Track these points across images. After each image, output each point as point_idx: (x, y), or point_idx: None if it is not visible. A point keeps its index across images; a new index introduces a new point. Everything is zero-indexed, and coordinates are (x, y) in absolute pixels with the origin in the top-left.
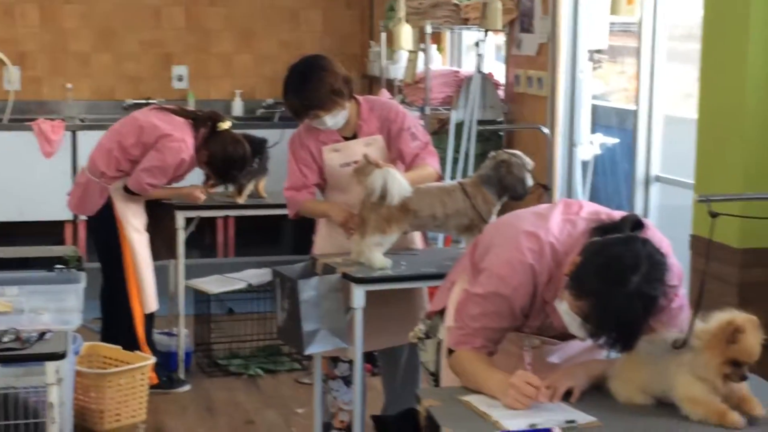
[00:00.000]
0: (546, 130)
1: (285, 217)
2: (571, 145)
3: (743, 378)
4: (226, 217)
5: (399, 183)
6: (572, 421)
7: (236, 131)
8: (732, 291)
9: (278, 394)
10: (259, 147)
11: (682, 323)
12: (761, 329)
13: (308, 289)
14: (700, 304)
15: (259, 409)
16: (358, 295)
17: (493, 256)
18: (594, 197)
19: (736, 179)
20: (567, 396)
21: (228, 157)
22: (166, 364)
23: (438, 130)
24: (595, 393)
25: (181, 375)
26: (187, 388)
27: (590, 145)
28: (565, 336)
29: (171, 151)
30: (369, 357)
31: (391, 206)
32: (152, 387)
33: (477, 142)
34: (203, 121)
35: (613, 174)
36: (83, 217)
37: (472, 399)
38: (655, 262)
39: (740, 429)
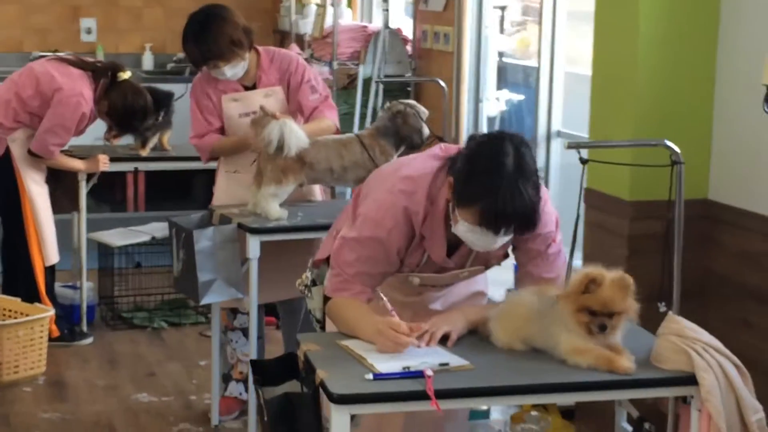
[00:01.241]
0: (443, 84)
1: (196, 172)
2: (477, 100)
3: (602, 328)
4: (135, 171)
5: (296, 134)
6: (445, 364)
7: (145, 84)
8: (622, 243)
9: (182, 347)
10: (163, 100)
11: (560, 270)
12: (630, 287)
13: (203, 240)
14: (573, 250)
15: (162, 362)
16: (253, 246)
17: (368, 201)
18: None
19: (627, 132)
20: (445, 340)
21: (128, 108)
22: (68, 317)
23: (347, 86)
24: (474, 338)
25: (84, 328)
26: (89, 340)
27: (496, 101)
28: (444, 270)
29: (69, 107)
30: (272, 310)
31: (287, 158)
32: (53, 339)
33: (384, 97)
34: (103, 71)
35: (519, 130)
36: None
37: (351, 344)
38: (518, 140)
39: (630, 373)
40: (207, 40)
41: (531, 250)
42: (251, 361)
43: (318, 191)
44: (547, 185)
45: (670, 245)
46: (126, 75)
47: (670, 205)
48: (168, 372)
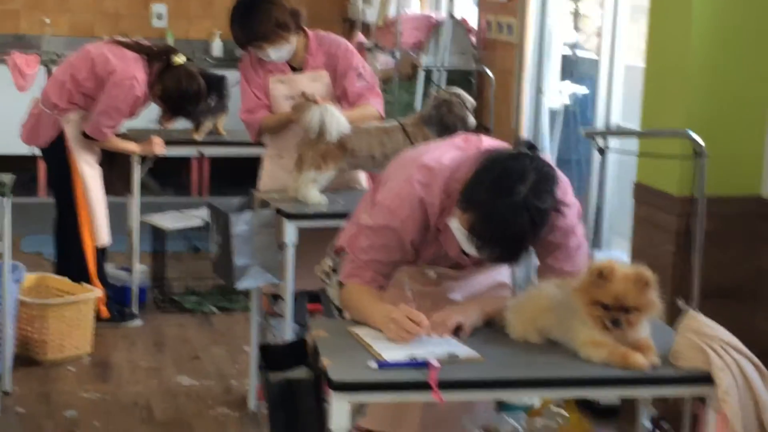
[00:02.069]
0: (490, 73)
1: (252, 159)
2: (538, 92)
3: (615, 323)
4: (201, 156)
5: (337, 120)
6: (453, 355)
7: (198, 67)
8: (670, 239)
9: (229, 332)
10: (216, 84)
11: (581, 263)
12: (647, 283)
13: (240, 224)
14: (598, 239)
15: (207, 346)
16: (290, 231)
17: (386, 189)
18: (562, 147)
19: (678, 124)
20: (459, 331)
21: (182, 92)
22: (120, 298)
23: (411, 75)
24: (490, 330)
25: (135, 310)
26: (138, 323)
27: (559, 94)
28: (461, 265)
29: (123, 89)
30: (318, 297)
31: (328, 143)
32: (103, 320)
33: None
34: (158, 55)
35: (584, 124)
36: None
37: (360, 331)
38: (544, 174)
39: (645, 372)
40: (252, 22)
41: (551, 243)
42: (260, 345)
43: (363, 178)
44: (602, 179)
45: (692, 241)
46: (180, 59)
47: (686, 198)
48: (212, 356)
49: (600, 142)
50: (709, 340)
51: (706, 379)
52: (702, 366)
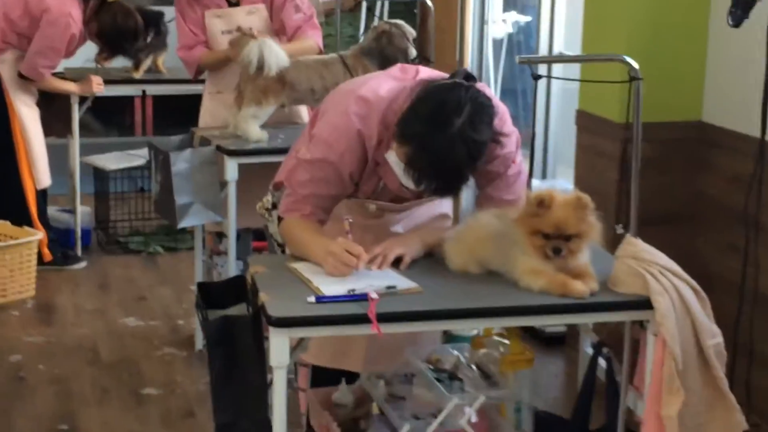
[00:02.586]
0: (429, 3)
1: (196, 96)
2: (483, 22)
3: (556, 251)
4: (143, 95)
5: (276, 54)
6: (392, 287)
7: (128, 3)
8: (614, 166)
9: (175, 272)
10: (153, 20)
11: (520, 192)
12: (587, 208)
13: (180, 162)
14: (531, 171)
15: (153, 286)
16: (231, 168)
17: (323, 122)
18: (507, 77)
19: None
20: (399, 264)
21: (118, 29)
22: (64, 241)
23: (352, 8)
24: (430, 261)
25: (78, 252)
26: (82, 265)
27: (503, 23)
28: (401, 199)
29: (58, 27)
30: (263, 235)
31: (267, 78)
32: (46, 264)
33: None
34: None
35: (528, 53)
36: None
37: (299, 266)
38: (480, 104)
39: (584, 299)
40: None
41: (490, 172)
42: (198, 284)
43: (304, 113)
44: (547, 110)
45: (628, 166)
46: None
47: (628, 124)
48: (158, 296)
49: (536, 68)
50: (647, 265)
51: (644, 304)
52: (640, 291)
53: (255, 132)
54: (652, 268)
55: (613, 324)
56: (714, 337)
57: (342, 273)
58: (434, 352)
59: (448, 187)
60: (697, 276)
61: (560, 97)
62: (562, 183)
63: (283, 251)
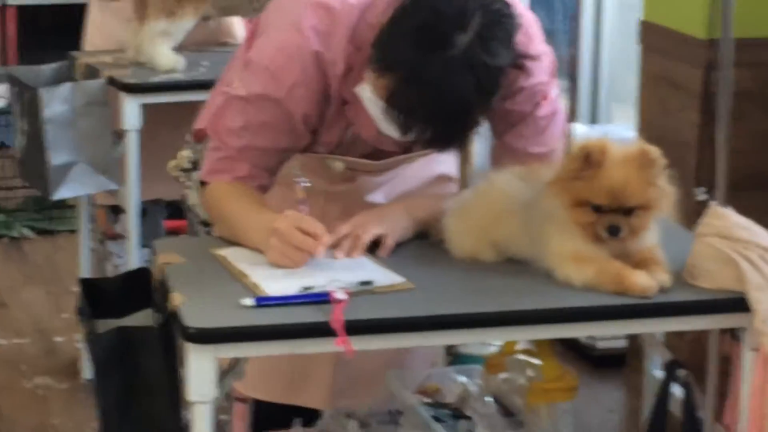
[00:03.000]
0: None
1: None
2: None
3: (613, 230)
4: (3, 5)
5: None
6: (368, 283)
7: None
8: (694, 104)
9: (50, 265)
10: None
11: (554, 143)
12: (655, 167)
13: (56, 102)
14: (573, 111)
15: (18, 287)
16: (131, 111)
17: (263, 40)
18: None
19: None
20: (377, 248)
21: None
22: None
23: None
24: (423, 244)
25: None
26: None
27: None
28: (381, 154)
29: None
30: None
31: None
32: None
33: None
34: None
35: None
36: None
37: (231, 253)
38: (495, 14)
39: (651, 297)
40: None
41: (511, 112)
42: (81, 280)
43: (239, 29)
44: (597, 22)
45: (711, 106)
46: None
47: (716, 41)
48: (26, 302)
49: None
50: (741, 247)
51: (738, 304)
52: (732, 285)
53: (166, 57)
54: (749, 252)
55: (693, 335)
56: None
57: (293, 262)
58: (431, 378)
59: (449, 136)
60: None
61: (616, 4)
62: (618, 129)
63: (209, 232)
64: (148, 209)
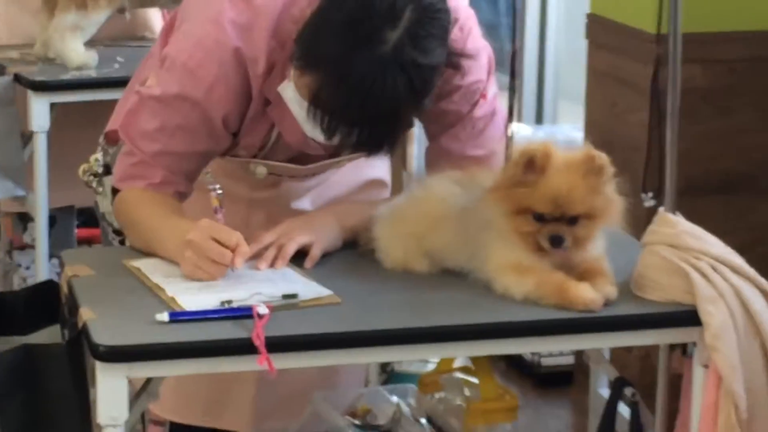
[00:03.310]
0: None
1: None
2: None
3: (556, 241)
4: None
5: None
6: (292, 296)
7: None
8: (643, 102)
9: None
10: None
11: (493, 145)
12: (602, 173)
13: None
14: (513, 111)
15: None
16: (40, 111)
17: (180, 35)
18: None
19: None
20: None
21: None
22: None
23: None
24: (351, 253)
25: None
26: None
27: None
28: (307, 158)
29: None
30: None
31: None
32: None
33: None
34: None
35: None
36: None
37: (144, 265)
38: (428, 8)
39: (595, 311)
40: None
41: (447, 113)
42: None
43: (156, 22)
44: (543, 14)
45: (658, 103)
46: None
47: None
48: None
49: None
50: (692, 256)
51: (688, 317)
52: (681, 298)
53: (76, 53)
54: (700, 262)
55: (641, 351)
56: None
57: (209, 275)
58: (362, 398)
59: (378, 139)
60: None
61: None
62: (565, 129)
63: (123, 242)
64: (58, 217)
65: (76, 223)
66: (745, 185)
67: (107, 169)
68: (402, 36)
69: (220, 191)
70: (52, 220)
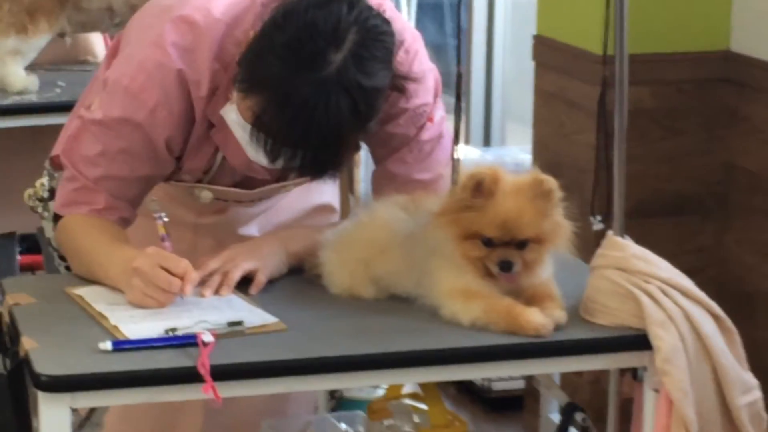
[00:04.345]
0: None
1: None
2: None
3: (505, 266)
4: None
5: None
6: (237, 323)
7: None
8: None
9: None
10: None
11: (439, 167)
12: (550, 196)
13: None
14: (459, 133)
15: None
16: None
17: (122, 58)
18: None
19: None
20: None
21: None
22: None
23: None
24: (297, 279)
25: None
26: None
27: None
28: (253, 182)
29: None
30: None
31: None
32: None
33: None
34: None
35: None
36: None
37: (87, 293)
38: (372, 30)
39: (545, 336)
40: None
41: (393, 136)
42: None
43: (99, 47)
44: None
45: (606, 124)
46: None
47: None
48: None
49: None
50: (641, 279)
51: (638, 341)
52: (631, 321)
53: (17, 77)
54: (649, 285)
55: (592, 375)
56: (748, 392)
57: (157, 303)
58: (310, 426)
59: (322, 163)
60: (725, 294)
61: (509, 18)
62: (513, 152)
63: (68, 268)
64: (1, 242)
65: (19, 250)
66: (693, 207)
67: (52, 194)
68: (346, 58)
69: (166, 219)
70: None
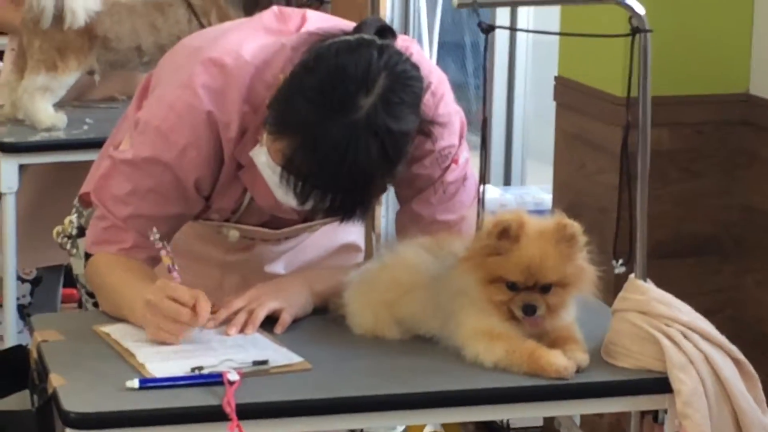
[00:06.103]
0: None
1: None
2: None
3: (528, 310)
4: None
5: None
6: (262, 362)
7: None
8: (612, 165)
9: None
10: None
11: (463, 208)
12: (574, 241)
13: None
14: (485, 174)
15: None
16: (9, 172)
17: (153, 98)
18: (447, 25)
19: None
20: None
21: None
22: None
23: None
24: (321, 319)
25: None
26: None
27: None
28: (280, 222)
29: None
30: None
31: (68, 30)
32: None
33: None
34: None
35: None
36: None
37: (114, 330)
38: (401, 75)
39: (567, 378)
40: None
41: (418, 177)
42: None
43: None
44: (510, 78)
45: (630, 168)
46: None
47: (634, 100)
48: None
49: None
50: (662, 323)
51: (659, 385)
52: (652, 365)
53: (47, 114)
54: (670, 329)
55: (612, 416)
56: None
57: (170, 335)
58: None
59: (351, 205)
60: (744, 335)
61: (530, 59)
62: (533, 191)
63: (96, 304)
64: (43, 276)
65: (61, 282)
66: (712, 248)
67: (81, 231)
68: (375, 102)
69: (168, 249)
70: (38, 280)
